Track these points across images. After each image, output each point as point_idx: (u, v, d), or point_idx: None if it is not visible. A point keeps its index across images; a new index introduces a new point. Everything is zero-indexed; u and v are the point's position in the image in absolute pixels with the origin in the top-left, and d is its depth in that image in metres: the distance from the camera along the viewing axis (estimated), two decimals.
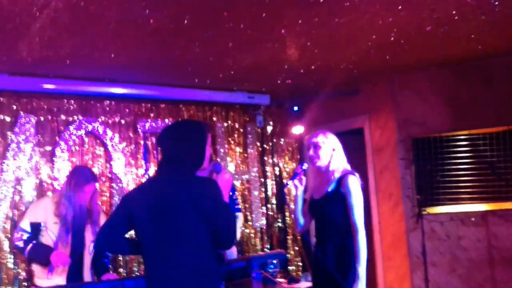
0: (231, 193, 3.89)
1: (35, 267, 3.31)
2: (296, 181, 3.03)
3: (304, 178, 3.06)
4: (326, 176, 2.99)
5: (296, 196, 3.12)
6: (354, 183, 2.88)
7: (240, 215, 4.11)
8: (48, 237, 3.24)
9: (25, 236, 3.24)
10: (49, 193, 4.06)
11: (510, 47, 4.12)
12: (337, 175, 2.95)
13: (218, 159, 5.05)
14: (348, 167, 3.03)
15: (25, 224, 3.27)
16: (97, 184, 3.45)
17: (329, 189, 2.93)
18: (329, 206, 2.90)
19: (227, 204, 2.30)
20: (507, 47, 4.10)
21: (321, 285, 2.96)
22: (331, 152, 2.98)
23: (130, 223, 2.29)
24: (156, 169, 2.44)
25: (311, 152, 3.03)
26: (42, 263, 3.22)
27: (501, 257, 4.32)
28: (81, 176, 3.32)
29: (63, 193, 3.31)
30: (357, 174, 2.96)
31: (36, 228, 3.26)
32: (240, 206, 4.17)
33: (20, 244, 3.24)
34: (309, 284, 4.03)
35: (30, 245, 3.21)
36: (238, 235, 4.11)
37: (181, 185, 2.22)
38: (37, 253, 3.22)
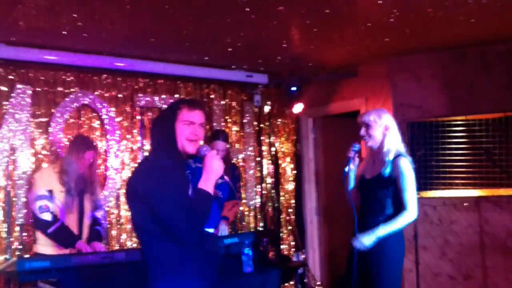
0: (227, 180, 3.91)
1: (41, 235, 3.37)
2: (351, 165, 3.01)
3: (357, 159, 3.03)
4: (379, 156, 2.97)
5: (348, 177, 3.10)
6: (406, 165, 2.86)
7: (239, 203, 4.15)
8: (55, 205, 3.32)
9: (51, 206, 3.28)
10: (44, 164, 4.07)
11: (509, 34, 4.09)
12: (391, 156, 2.91)
13: (201, 142, 5.03)
14: (402, 148, 2.99)
15: (43, 191, 3.31)
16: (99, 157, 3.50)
17: (383, 171, 2.90)
18: (380, 188, 2.89)
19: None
20: (507, 33, 4.07)
21: (361, 262, 2.93)
22: (384, 132, 2.94)
23: None
24: None
25: (362, 131, 3.00)
26: (61, 245, 3.29)
27: (492, 242, 4.36)
28: (82, 143, 3.44)
29: (65, 160, 3.40)
30: (408, 157, 2.94)
31: (51, 195, 3.33)
32: (241, 195, 4.21)
33: (47, 217, 3.26)
34: (300, 262, 4.07)
35: (57, 224, 3.27)
36: (233, 218, 4.14)
37: (135, 170, 2.21)
38: (61, 236, 3.28)
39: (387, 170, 2.90)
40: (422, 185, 4.50)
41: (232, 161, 4.68)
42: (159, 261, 2.08)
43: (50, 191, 3.32)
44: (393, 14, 3.47)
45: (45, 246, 3.34)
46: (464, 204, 4.45)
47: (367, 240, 2.81)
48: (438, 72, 4.60)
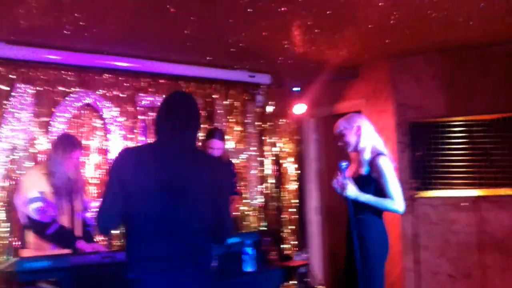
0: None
1: (34, 240, 3.28)
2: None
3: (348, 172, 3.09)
4: (359, 156, 3.08)
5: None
6: (384, 164, 2.96)
7: (237, 198, 4.18)
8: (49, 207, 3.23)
9: (44, 205, 3.18)
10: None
11: (507, 36, 4.12)
12: (367, 155, 3.02)
13: None
14: (380, 145, 3.08)
15: (35, 193, 3.19)
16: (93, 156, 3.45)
17: (362, 172, 3.02)
18: (362, 186, 2.98)
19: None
20: (505, 35, 4.09)
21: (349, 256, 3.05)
22: (356, 134, 3.06)
23: (124, 192, 2.06)
24: (159, 135, 2.19)
25: (339, 143, 3.13)
26: (62, 246, 3.19)
27: (490, 241, 4.39)
28: (68, 143, 3.34)
29: (51, 162, 3.30)
30: (387, 154, 3.04)
31: (44, 197, 3.22)
32: (238, 190, 4.26)
33: (45, 218, 3.17)
34: (302, 262, 4.09)
35: (56, 225, 3.18)
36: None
37: (193, 159, 2.13)
38: (61, 236, 3.18)
39: (366, 169, 3.01)
40: (422, 185, 4.53)
41: (230, 158, 4.68)
42: (197, 261, 2.08)
43: (42, 193, 3.22)
44: (393, 16, 3.49)
45: (37, 250, 3.21)
46: (463, 204, 4.48)
47: (351, 190, 2.92)
48: (438, 73, 4.62)
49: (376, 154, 3.01)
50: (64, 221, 3.29)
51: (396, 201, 2.93)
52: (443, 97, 4.59)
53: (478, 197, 4.41)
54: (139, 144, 4.37)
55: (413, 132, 4.60)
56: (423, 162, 4.54)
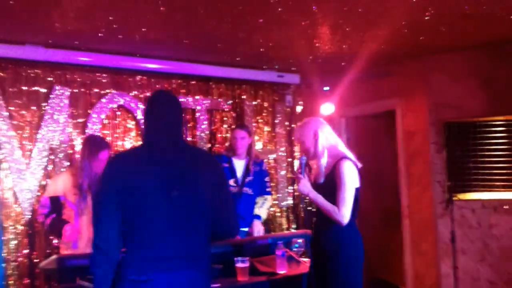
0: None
1: (61, 242, 3.39)
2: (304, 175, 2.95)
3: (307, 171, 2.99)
4: (318, 162, 2.94)
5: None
6: (346, 169, 2.78)
7: (269, 198, 4.17)
8: (70, 209, 3.32)
9: (45, 211, 3.32)
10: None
11: None
12: (324, 160, 2.87)
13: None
14: (341, 146, 2.93)
15: (44, 199, 3.35)
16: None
17: (323, 177, 2.87)
18: (324, 192, 2.85)
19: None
20: None
21: (318, 265, 2.95)
22: (314, 139, 2.91)
23: (121, 199, 2.02)
24: (147, 136, 2.24)
25: (301, 150, 3.04)
26: (55, 236, 3.32)
27: None
28: (94, 144, 3.38)
29: (78, 163, 3.39)
30: (351, 157, 2.85)
31: (55, 202, 3.31)
32: (270, 190, 4.25)
33: (41, 218, 3.34)
34: None
35: (49, 219, 3.28)
36: (265, 216, 4.18)
37: (189, 155, 2.15)
38: (54, 227, 3.28)
39: (326, 173, 2.86)
40: (459, 187, 4.39)
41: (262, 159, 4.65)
42: (205, 262, 2.11)
43: (57, 197, 3.31)
44: (428, 12, 3.41)
45: (64, 248, 3.32)
46: (504, 207, 4.31)
47: (303, 185, 2.84)
48: (475, 71, 4.47)
49: (340, 158, 2.82)
50: (84, 222, 3.31)
51: (342, 213, 2.76)
52: (481, 96, 4.43)
53: None
54: (124, 150, 4.37)
55: (449, 132, 4.46)
56: (461, 163, 4.40)
